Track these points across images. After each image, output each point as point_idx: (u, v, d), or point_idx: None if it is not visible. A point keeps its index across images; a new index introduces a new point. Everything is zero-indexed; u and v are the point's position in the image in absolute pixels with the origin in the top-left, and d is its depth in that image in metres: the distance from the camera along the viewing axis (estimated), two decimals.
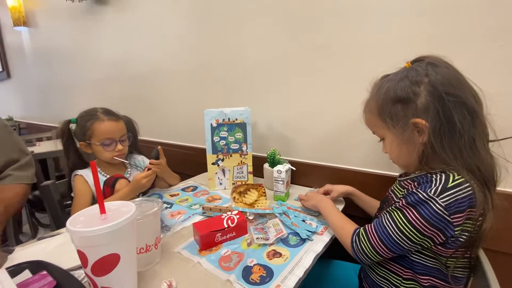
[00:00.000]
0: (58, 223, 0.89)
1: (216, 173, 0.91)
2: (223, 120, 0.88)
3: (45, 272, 0.48)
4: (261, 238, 0.59)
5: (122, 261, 0.40)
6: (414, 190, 0.48)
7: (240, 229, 0.61)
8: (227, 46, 1.07)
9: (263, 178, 0.94)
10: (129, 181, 0.90)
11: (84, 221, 0.39)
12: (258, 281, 0.47)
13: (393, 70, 0.54)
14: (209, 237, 0.57)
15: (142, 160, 1.05)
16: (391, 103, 0.51)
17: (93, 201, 0.87)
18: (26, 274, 0.47)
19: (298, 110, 0.93)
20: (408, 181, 0.54)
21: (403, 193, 0.53)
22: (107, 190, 0.85)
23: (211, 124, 0.87)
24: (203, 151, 0.91)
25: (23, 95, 2.90)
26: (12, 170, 0.74)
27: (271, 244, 0.58)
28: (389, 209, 0.51)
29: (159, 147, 0.88)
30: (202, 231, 0.57)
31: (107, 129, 0.89)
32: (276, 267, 0.51)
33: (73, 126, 0.92)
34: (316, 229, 0.64)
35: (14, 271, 0.47)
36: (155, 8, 1.29)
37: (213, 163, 0.90)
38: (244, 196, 0.80)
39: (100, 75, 1.78)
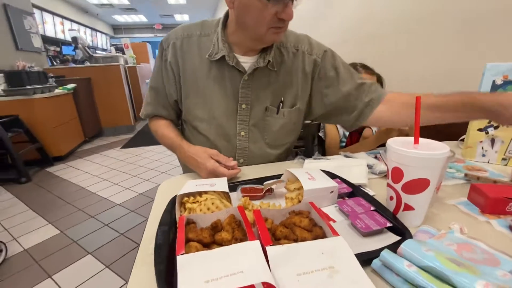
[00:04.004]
0: (309, 151, 1.15)
1: (481, 141, 0.77)
2: None
3: (339, 180, 0.63)
4: None
5: (429, 189, 0.44)
6: None
7: None
8: None
9: None
10: (372, 131, 0.97)
11: (399, 145, 0.46)
12: None
13: None
14: (499, 203, 0.51)
15: None
16: None
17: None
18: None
19: None
20: None
21: None
22: (355, 136, 0.97)
23: (493, 80, 0.72)
24: None
25: None
26: None
27: None
28: None
29: None
30: (491, 194, 0.51)
31: None
32: None
33: None
34: None
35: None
36: None
37: (480, 129, 0.76)
38: None
39: (332, 39, 1.95)
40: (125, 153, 3.33)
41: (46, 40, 5.50)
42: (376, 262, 0.38)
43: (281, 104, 0.80)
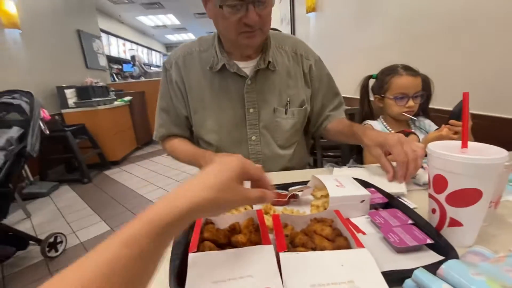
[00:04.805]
0: (346, 160, 1.09)
1: None
2: None
3: (373, 189, 0.57)
4: None
5: (482, 201, 0.37)
6: None
7: None
8: None
9: None
10: (418, 137, 0.87)
11: (443, 149, 0.40)
12: None
13: None
14: None
15: (428, 124, 0.98)
16: None
17: None
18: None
19: None
20: None
21: None
22: None
23: None
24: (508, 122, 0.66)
25: None
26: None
27: None
28: None
29: None
30: None
31: (403, 84, 0.90)
32: None
33: (372, 81, 1.02)
34: None
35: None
36: None
37: None
38: None
39: (373, 42, 1.84)
40: (171, 160, 3.56)
41: (111, 59, 6.29)
42: (409, 283, 0.32)
43: (288, 104, 0.81)
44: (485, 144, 0.41)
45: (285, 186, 0.60)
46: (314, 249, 0.36)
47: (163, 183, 2.73)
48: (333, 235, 0.39)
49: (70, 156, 2.85)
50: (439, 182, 0.40)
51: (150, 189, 2.59)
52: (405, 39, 1.53)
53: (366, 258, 0.32)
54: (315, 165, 1.50)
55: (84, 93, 3.20)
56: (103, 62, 4.37)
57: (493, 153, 0.37)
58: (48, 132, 1.73)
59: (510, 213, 0.49)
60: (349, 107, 1.03)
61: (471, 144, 0.40)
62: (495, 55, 0.99)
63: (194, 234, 0.38)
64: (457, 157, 0.37)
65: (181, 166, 3.22)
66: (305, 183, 0.60)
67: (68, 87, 3.15)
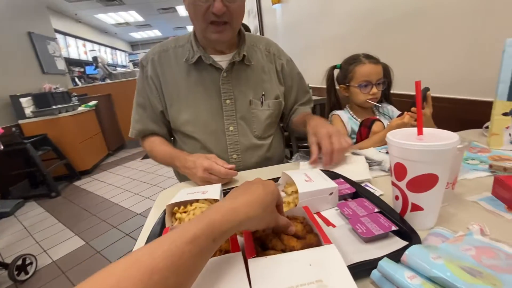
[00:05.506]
0: None
1: (508, 127, 0.68)
2: None
3: (342, 180, 0.58)
4: None
5: (439, 185, 0.39)
6: None
7: None
8: None
9: None
10: (383, 124, 0.91)
11: (401, 137, 0.41)
12: None
13: None
14: None
15: (391, 109, 1.01)
16: None
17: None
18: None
19: None
20: None
21: None
22: (364, 131, 0.91)
23: None
24: (463, 103, 0.71)
25: None
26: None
27: None
28: None
29: (428, 92, 0.78)
30: None
31: (366, 71, 0.92)
32: None
33: (336, 71, 1.04)
34: None
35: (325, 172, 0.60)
36: None
37: (505, 114, 0.68)
38: None
39: (337, 32, 1.87)
40: (146, 164, 3.44)
41: (71, 62, 5.87)
42: (375, 273, 0.33)
43: (263, 97, 0.85)
44: (439, 129, 0.43)
45: None
46: (284, 250, 0.35)
47: (139, 189, 2.63)
48: (304, 232, 0.39)
49: (33, 169, 2.64)
50: (399, 170, 0.41)
51: (125, 196, 2.48)
52: (365, 28, 1.57)
53: (333, 254, 0.32)
54: (292, 156, 1.51)
55: (43, 100, 2.96)
56: (61, 65, 4.06)
57: (446, 138, 0.39)
58: (2, 147, 1.58)
59: (467, 191, 0.52)
60: (319, 97, 1.04)
61: (427, 130, 0.42)
62: (451, 41, 1.05)
63: None
64: (412, 145, 0.38)
65: (156, 170, 3.12)
66: (276, 180, 0.59)
67: (24, 96, 2.90)
